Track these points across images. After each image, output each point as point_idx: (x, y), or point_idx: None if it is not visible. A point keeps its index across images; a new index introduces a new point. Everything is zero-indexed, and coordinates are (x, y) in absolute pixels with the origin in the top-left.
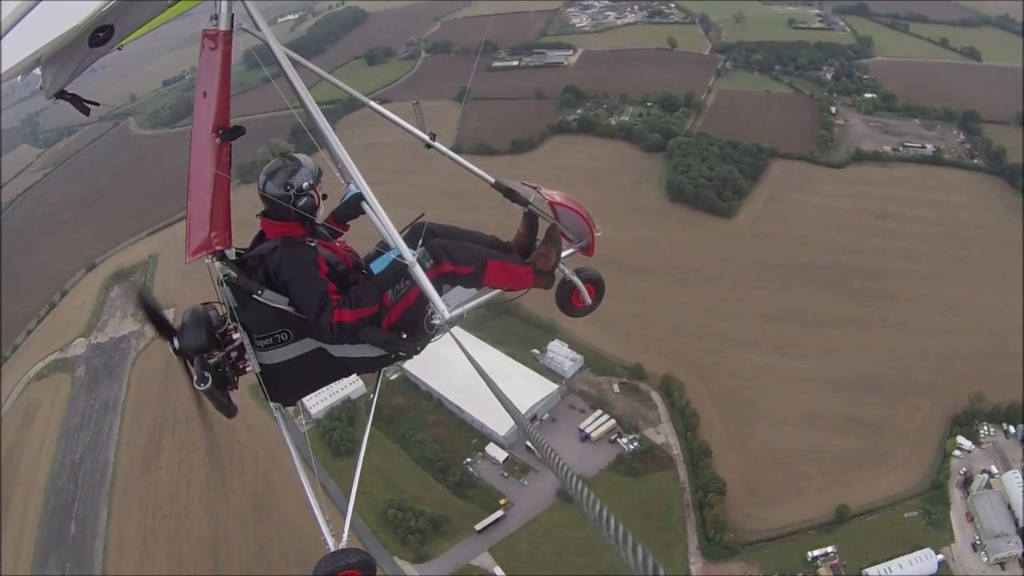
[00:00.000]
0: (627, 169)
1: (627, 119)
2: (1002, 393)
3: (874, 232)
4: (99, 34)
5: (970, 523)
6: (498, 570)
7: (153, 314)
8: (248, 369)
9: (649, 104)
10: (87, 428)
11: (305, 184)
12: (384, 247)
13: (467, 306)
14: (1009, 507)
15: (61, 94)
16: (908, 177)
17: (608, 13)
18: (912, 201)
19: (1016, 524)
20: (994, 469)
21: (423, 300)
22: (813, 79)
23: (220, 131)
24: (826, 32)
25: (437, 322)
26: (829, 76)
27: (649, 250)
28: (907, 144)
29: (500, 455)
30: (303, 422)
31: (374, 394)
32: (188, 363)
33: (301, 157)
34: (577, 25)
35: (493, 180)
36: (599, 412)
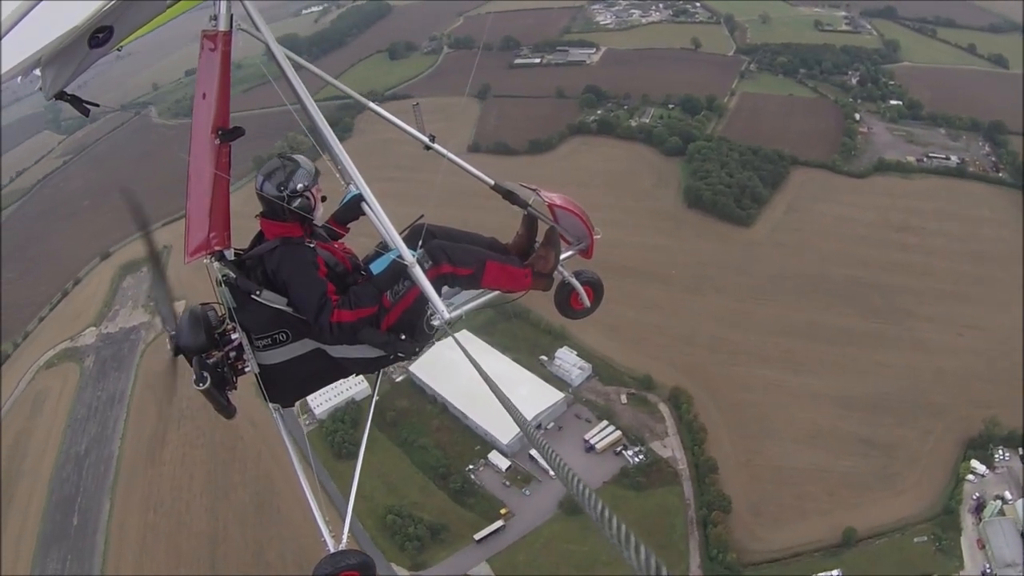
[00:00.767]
0: (645, 173)
1: (648, 121)
2: (1019, 417)
3: (894, 246)
4: (99, 35)
5: (981, 550)
6: None
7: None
8: (247, 370)
9: (671, 106)
10: (93, 420)
11: (300, 185)
12: (383, 248)
13: (466, 307)
14: (1022, 535)
15: (61, 95)
16: (931, 189)
17: (633, 11)
18: (934, 214)
19: None
20: (1008, 495)
21: (422, 301)
22: (838, 84)
23: (219, 132)
24: (853, 35)
25: (436, 323)
26: (854, 81)
27: (664, 257)
28: (931, 155)
29: (503, 463)
30: (307, 422)
31: (373, 396)
32: (187, 362)
33: (299, 158)
34: (601, 23)
35: (492, 182)
36: (605, 423)
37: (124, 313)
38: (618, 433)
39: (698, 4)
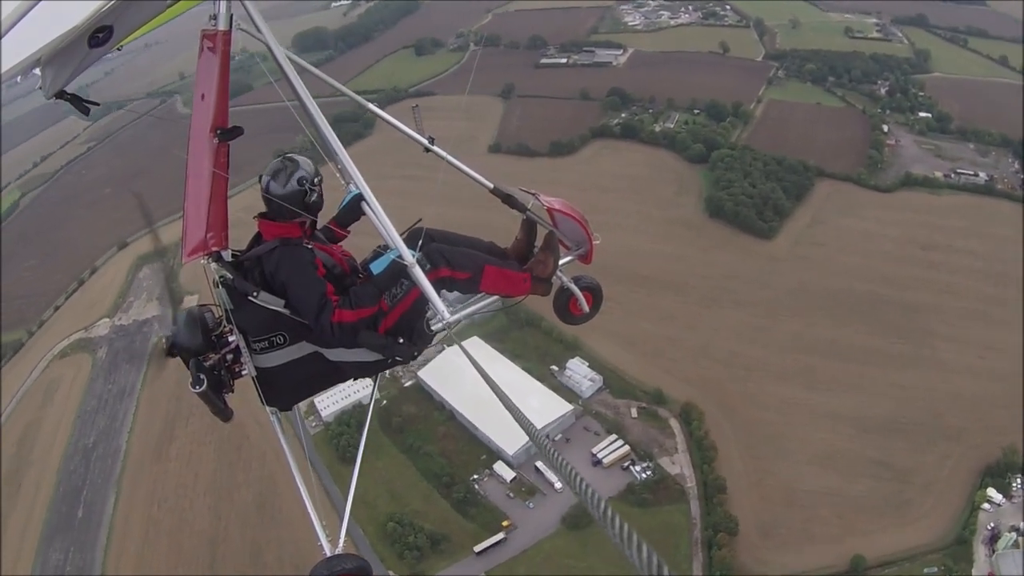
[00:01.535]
0: (667, 180)
1: (672, 126)
2: None
3: (918, 263)
4: (99, 34)
5: None
6: None
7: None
8: (244, 372)
9: (696, 111)
10: (103, 412)
11: (317, 179)
12: (383, 249)
13: (466, 311)
14: None
15: (61, 94)
16: (958, 206)
17: (662, 12)
18: (960, 232)
19: None
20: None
21: (420, 304)
22: (867, 93)
23: (218, 131)
24: (883, 43)
25: (436, 327)
26: (883, 91)
27: (682, 267)
28: (959, 171)
29: (508, 474)
30: (313, 423)
31: (371, 399)
32: (184, 363)
33: (300, 158)
34: (629, 23)
35: (492, 185)
36: (614, 437)
37: (138, 305)
38: (626, 448)
39: (728, 7)
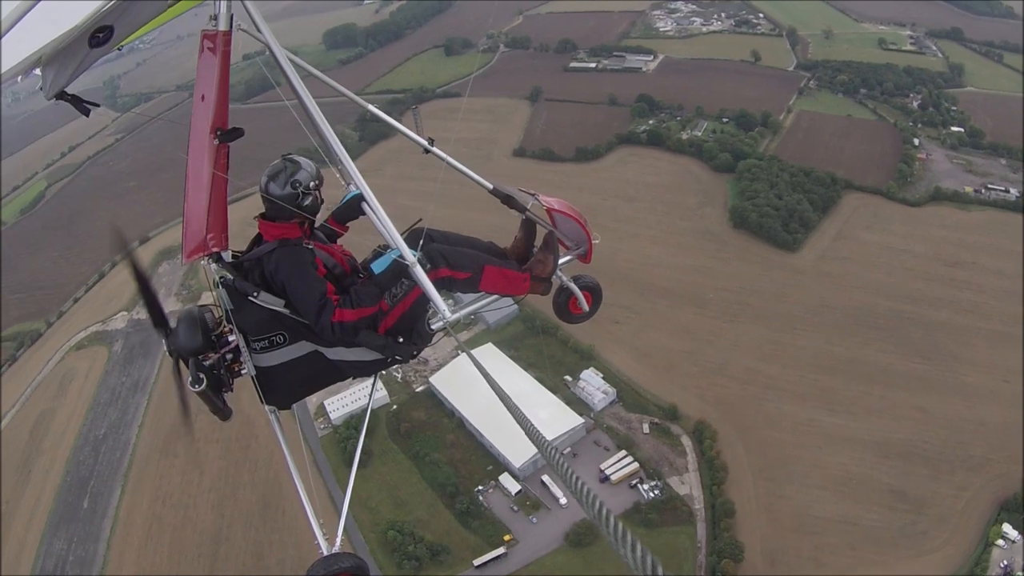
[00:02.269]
0: (693, 189)
1: (699, 134)
2: None
3: (944, 281)
4: (99, 34)
5: None
6: None
7: (153, 305)
8: (243, 372)
9: (724, 120)
10: (115, 405)
11: (312, 184)
12: (384, 249)
13: (466, 310)
14: None
15: (61, 95)
16: (987, 223)
17: (694, 19)
18: (988, 250)
19: None
20: None
21: (420, 304)
22: (899, 106)
23: (218, 132)
24: (917, 56)
25: (436, 326)
26: (915, 104)
27: (703, 280)
28: (990, 186)
29: (513, 487)
30: (322, 426)
31: (370, 396)
32: (183, 364)
33: (301, 159)
34: (661, 29)
35: (491, 186)
36: (623, 453)
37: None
38: (635, 465)
39: (761, 15)
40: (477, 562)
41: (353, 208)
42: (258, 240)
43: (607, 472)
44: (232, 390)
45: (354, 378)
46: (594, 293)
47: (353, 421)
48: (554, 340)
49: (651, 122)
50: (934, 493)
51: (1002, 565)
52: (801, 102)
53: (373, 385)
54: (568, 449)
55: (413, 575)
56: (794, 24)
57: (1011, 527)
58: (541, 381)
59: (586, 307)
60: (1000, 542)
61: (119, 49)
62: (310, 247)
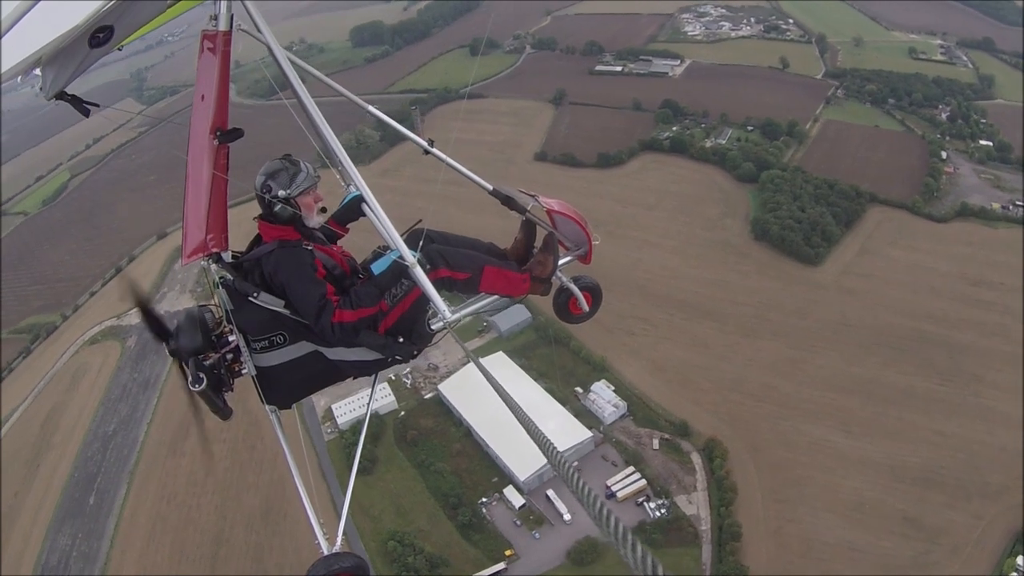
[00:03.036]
0: (714, 199)
1: (724, 142)
2: None
3: (968, 301)
4: (99, 35)
5: None
6: None
7: (151, 318)
8: (244, 372)
9: (749, 128)
10: (125, 401)
11: (281, 193)
12: (383, 250)
13: (467, 310)
14: None
15: (61, 95)
16: (1014, 241)
17: (723, 23)
18: (1014, 270)
19: None
20: None
21: (420, 304)
22: (927, 118)
23: (218, 132)
24: (947, 66)
25: (436, 327)
26: (944, 116)
27: (722, 293)
28: (1018, 203)
29: (517, 501)
30: (328, 430)
31: (371, 396)
32: (183, 364)
33: (300, 161)
34: (689, 33)
35: (491, 187)
36: (631, 469)
37: (171, 296)
38: (643, 482)
39: (791, 21)
40: None
41: (353, 209)
42: (258, 241)
43: (613, 488)
44: (232, 390)
45: (355, 378)
46: (594, 294)
47: (360, 426)
48: (566, 350)
49: (675, 129)
50: (948, 521)
51: None
52: (828, 111)
53: (374, 385)
54: (575, 463)
55: None
56: (824, 31)
57: None
58: (551, 392)
59: (586, 307)
60: (1014, 575)
61: (119, 49)
62: (309, 248)
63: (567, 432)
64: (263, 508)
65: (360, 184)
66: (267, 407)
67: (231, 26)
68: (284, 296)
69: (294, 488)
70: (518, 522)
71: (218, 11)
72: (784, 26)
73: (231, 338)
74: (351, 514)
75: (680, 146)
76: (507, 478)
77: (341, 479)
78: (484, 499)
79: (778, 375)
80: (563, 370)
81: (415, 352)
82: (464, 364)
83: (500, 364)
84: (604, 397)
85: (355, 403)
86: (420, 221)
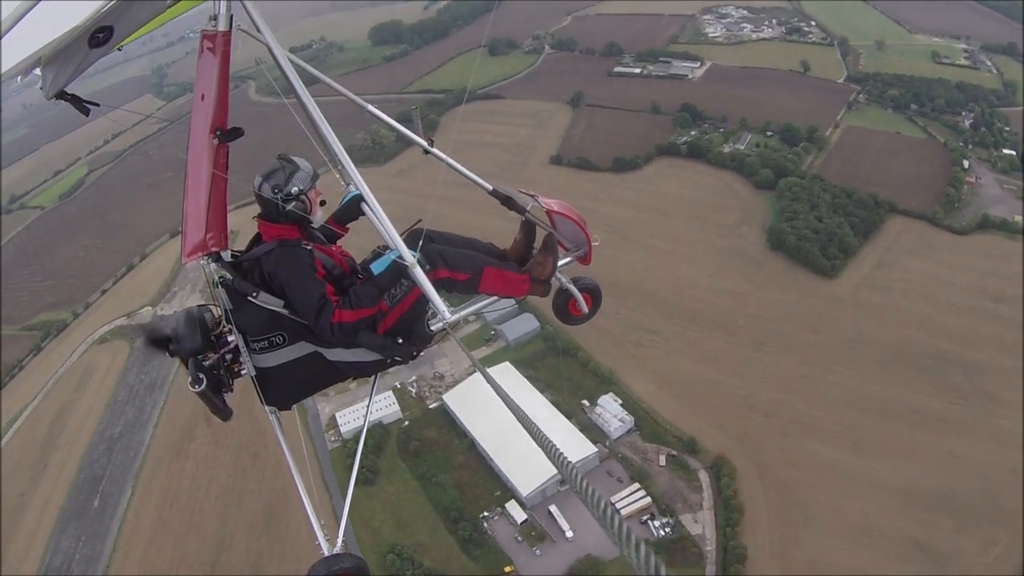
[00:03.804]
0: (731, 206)
1: (742, 147)
2: None
3: (987, 317)
4: (99, 35)
5: None
6: None
7: (157, 343)
8: (243, 372)
9: (769, 133)
10: (132, 403)
11: (295, 189)
12: (383, 250)
13: (466, 311)
14: None
15: (61, 95)
16: None
17: (744, 25)
18: None
19: None
20: None
21: (420, 304)
22: (949, 124)
23: (218, 132)
24: (971, 71)
25: (436, 327)
26: (967, 123)
27: (735, 304)
28: None
29: (519, 516)
30: (332, 438)
31: (370, 396)
32: (183, 364)
33: (299, 160)
34: (710, 35)
35: (491, 187)
36: (636, 486)
37: (182, 296)
38: (647, 500)
39: (813, 23)
40: None
41: (353, 209)
42: (257, 240)
43: (618, 506)
44: (232, 390)
45: (354, 379)
46: (593, 295)
47: (362, 434)
48: (574, 362)
49: (693, 133)
50: (958, 547)
51: None
52: (849, 116)
53: (373, 386)
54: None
55: None
56: (846, 33)
57: None
58: (557, 405)
59: (585, 309)
60: None
61: (119, 49)
62: (309, 248)
63: (572, 447)
64: (265, 516)
65: (359, 183)
66: (267, 408)
67: (231, 26)
68: (284, 296)
69: (296, 494)
70: (519, 538)
71: (218, 11)
72: (806, 28)
73: (230, 338)
74: (351, 524)
75: (698, 151)
76: (510, 492)
77: (343, 488)
78: (486, 513)
79: (789, 391)
80: (570, 382)
81: (415, 353)
82: (470, 374)
83: (505, 374)
84: (611, 411)
85: (360, 412)
86: (420, 221)
